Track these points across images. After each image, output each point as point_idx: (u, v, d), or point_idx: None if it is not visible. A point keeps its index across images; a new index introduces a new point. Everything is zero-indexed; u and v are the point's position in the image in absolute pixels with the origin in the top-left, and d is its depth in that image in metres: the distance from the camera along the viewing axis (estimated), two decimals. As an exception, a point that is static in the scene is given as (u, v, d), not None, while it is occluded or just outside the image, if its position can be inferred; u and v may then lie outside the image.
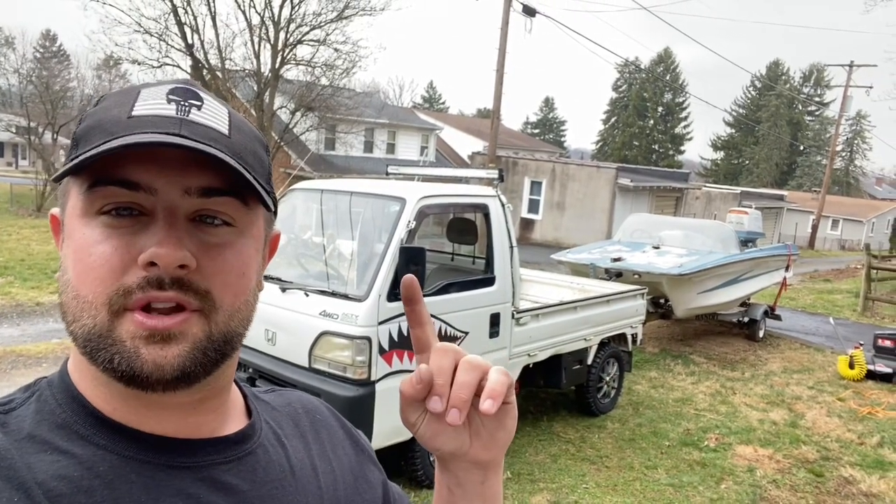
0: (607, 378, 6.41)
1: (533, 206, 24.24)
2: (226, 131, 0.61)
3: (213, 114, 0.61)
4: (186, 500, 0.59)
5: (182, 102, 0.60)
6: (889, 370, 7.92)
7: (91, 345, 0.57)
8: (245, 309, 0.63)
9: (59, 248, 0.63)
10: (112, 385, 0.59)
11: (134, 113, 0.58)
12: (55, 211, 0.64)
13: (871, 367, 7.97)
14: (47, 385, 0.63)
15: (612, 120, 64.99)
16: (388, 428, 4.19)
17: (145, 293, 0.56)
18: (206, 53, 19.01)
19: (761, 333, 10.15)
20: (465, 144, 33.39)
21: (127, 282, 0.56)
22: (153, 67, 18.74)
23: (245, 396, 0.74)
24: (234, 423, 0.69)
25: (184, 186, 0.58)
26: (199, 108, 0.60)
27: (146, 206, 0.57)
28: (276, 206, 0.68)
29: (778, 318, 10.59)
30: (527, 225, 24.11)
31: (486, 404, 0.58)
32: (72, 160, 0.57)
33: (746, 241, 10.30)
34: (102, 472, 0.57)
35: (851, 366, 8.02)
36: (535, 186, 24.16)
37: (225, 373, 0.65)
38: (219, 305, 0.59)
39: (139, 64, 18.62)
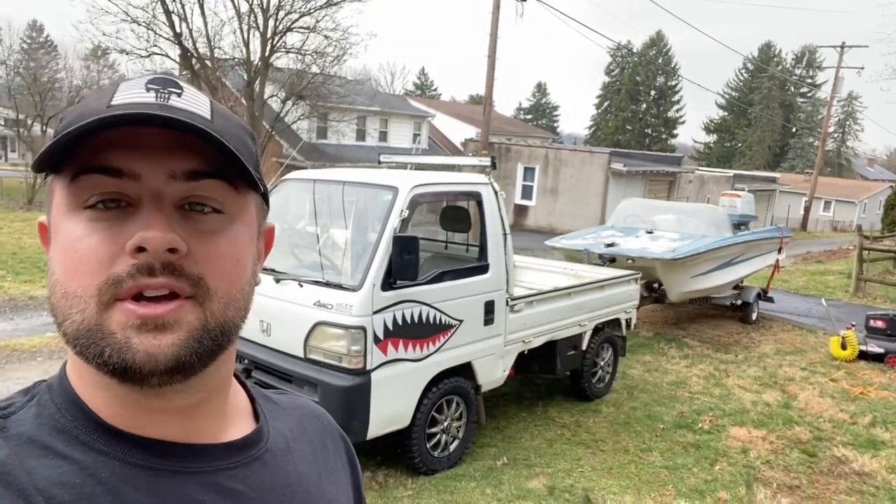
0: (602, 363, 6.45)
1: (526, 192, 24.23)
2: (208, 116, 0.59)
3: (193, 100, 0.59)
4: None
5: (161, 90, 0.58)
6: (881, 350, 7.98)
7: (81, 341, 0.55)
8: (241, 298, 0.61)
9: (48, 254, 0.61)
10: (111, 388, 0.58)
11: (113, 102, 0.57)
12: (43, 219, 0.63)
13: (863, 348, 8.03)
14: (47, 389, 0.61)
15: (605, 104, 64.85)
16: (384, 416, 4.22)
17: (136, 281, 0.54)
18: (194, 42, 18.83)
19: (754, 316, 10.22)
20: (458, 131, 33.29)
21: (116, 271, 0.54)
22: (141, 57, 18.56)
23: (252, 399, 0.72)
24: (239, 426, 0.68)
25: (168, 170, 0.56)
26: (178, 95, 0.58)
27: (132, 195, 0.56)
28: (266, 193, 0.66)
29: (771, 300, 10.66)
30: (520, 211, 24.12)
31: None
32: (49, 144, 0.56)
33: (739, 225, 10.32)
34: (104, 479, 0.55)
35: (844, 347, 8.08)
36: (529, 172, 24.15)
37: (220, 371, 0.63)
38: (213, 292, 0.57)
39: (127, 54, 18.43)
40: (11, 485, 0.52)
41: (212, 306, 0.58)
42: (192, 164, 0.57)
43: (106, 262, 0.55)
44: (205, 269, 0.57)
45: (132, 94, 0.57)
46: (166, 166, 0.56)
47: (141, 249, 0.54)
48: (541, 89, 72.31)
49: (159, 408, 0.60)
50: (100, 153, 0.55)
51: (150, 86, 0.58)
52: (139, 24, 18.01)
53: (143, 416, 0.59)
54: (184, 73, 18.81)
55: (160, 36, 18.45)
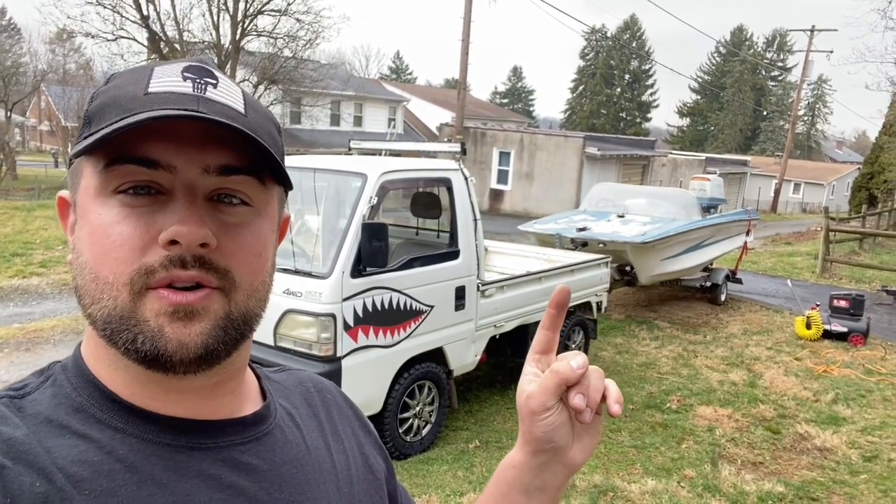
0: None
1: (502, 176, 24.26)
2: (242, 110, 0.60)
3: (228, 92, 0.60)
4: (208, 481, 0.59)
5: (198, 80, 0.59)
6: (844, 329, 8.19)
7: (112, 326, 0.56)
8: (262, 289, 0.63)
9: (68, 232, 0.62)
10: (130, 369, 0.58)
11: (150, 90, 0.57)
12: (64, 193, 0.63)
13: (827, 327, 8.23)
14: (62, 369, 0.62)
15: (580, 88, 65.04)
16: (355, 402, 4.23)
17: (168, 272, 0.55)
18: (162, 25, 18.47)
19: (723, 297, 10.41)
20: (434, 115, 33.18)
21: (148, 261, 0.55)
22: (108, 41, 18.17)
23: (259, 378, 0.74)
24: (250, 404, 0.69)
25: (203, 164, 0.57)
26: (214, 86, 0.59)
27: (164, 184, 0.57)
28: (289, 185, 0.68)
29: (739, 281, 10.86)
30: (496, 196, 24.16)
31: (616, 408, 0.64)
32: (86, 137, 0.56)
33: (709, 208, 10.48)
34: (122, 456, 0.57)
35: (808, 326, 8.27)
36: (504, 157, 24.16)
37: (241, 354, 0.65)
38: (238, 284, 0.59)
39: (93, 37, 18.03)
40: (31, 463, 0.53)
41: (236, 297, 0.59)
42: (225, 159, 0.58)
43: (138, 251, 0.56)
44: (231, 262, 0.59)
45: (169, 83, 0.58)
46: (201, 160, 0.57)
47: (174, 242, 0.55)
48: (517, 73, 72.28)
49: (178, 388, 0.61)
50: (136, 143, 0.55)
51: (186, 74, 0.59)
52: (105, 7, 17.61)
53: (161, 395, 0.61)
54: (152, 56, 18.44)
55: (126, 19, 18.08)
